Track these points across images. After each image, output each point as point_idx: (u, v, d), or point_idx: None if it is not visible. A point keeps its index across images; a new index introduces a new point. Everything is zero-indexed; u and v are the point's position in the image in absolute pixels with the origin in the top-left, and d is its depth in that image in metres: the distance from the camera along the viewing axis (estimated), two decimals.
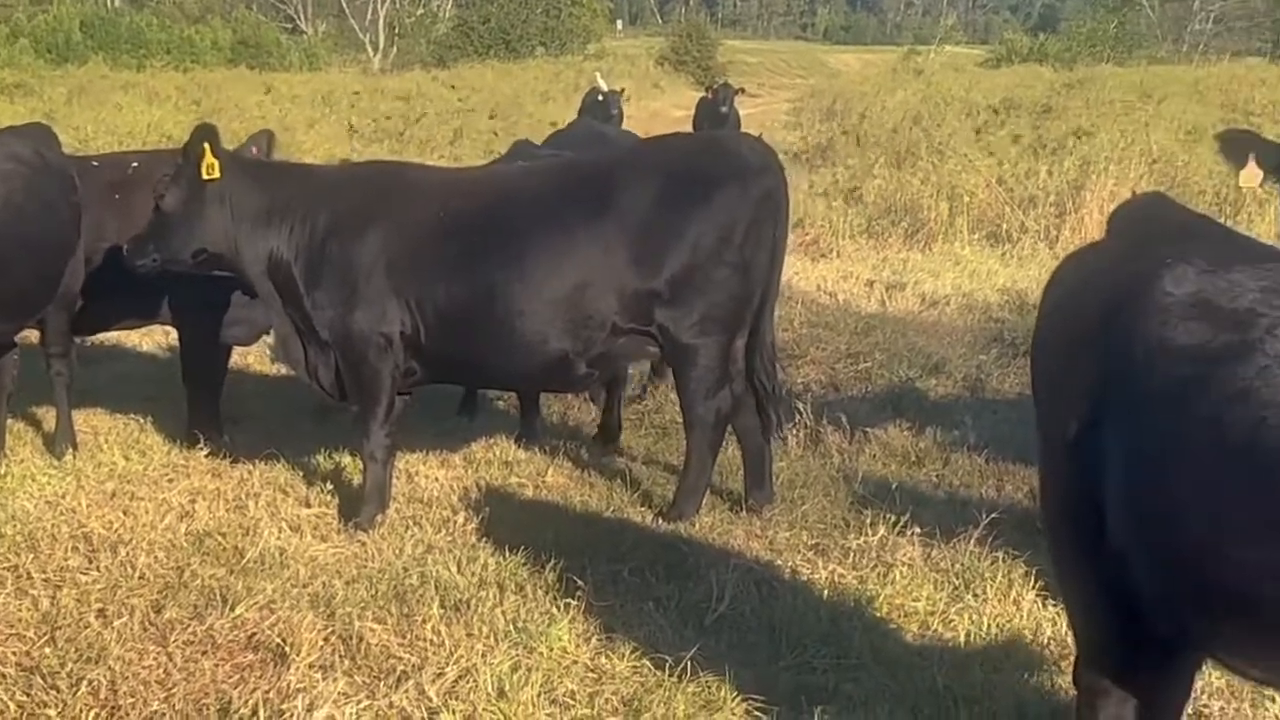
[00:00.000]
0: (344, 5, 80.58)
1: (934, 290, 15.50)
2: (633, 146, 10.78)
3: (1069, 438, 4.82)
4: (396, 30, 79.70)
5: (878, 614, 7.27)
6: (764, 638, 7.07)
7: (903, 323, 13.89)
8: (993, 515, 8.13)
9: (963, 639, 6.99)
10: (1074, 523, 4.86)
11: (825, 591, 7.58)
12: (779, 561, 8.01)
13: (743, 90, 31.43)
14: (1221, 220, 18.66)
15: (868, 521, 8.35)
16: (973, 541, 7.94)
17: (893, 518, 8.31)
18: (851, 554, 8.02)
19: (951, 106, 32.21)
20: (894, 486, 9.06)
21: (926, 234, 19.70)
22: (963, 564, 7.71)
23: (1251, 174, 8.36)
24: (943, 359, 12.38)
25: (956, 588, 7.48)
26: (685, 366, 8.67)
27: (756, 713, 6.22)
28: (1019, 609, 7.17)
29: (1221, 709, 6.15)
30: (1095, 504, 4.70)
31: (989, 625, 7.04)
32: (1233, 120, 29.00)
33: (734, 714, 6.22)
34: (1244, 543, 4.26)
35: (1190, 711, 5.89)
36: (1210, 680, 6.09)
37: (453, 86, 49.99)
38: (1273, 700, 6.02)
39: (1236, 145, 8.55)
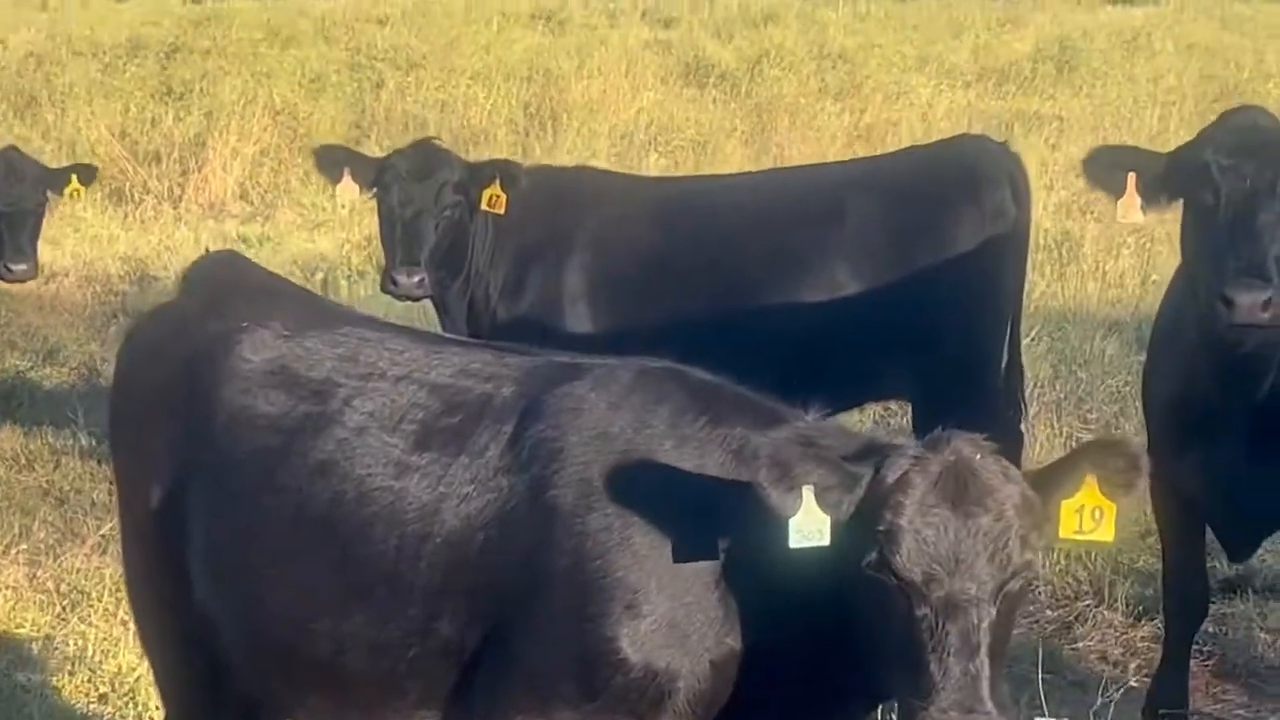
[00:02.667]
0: None
1: (54, 261, 14.89)
2: None
3: (151, 503, 4.83)
4: None
5: None
6: None
7: (20, 301, 13.29)
8: (104, 529, 8.01)
9: (70, 666, 6.88)
10: (157, 585, 4.89)
11: None
12: None
13: None
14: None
15: None
16: (80, 558, 7.81)
17: None
18: None
19: (76, 47, 31.09)
20: (1, 497, 8.79)
21: None
22: (69, 583, 7.57)
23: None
24: (58, 343, 11.95)
25: (63, 610, 7.35)
26: None
27: None
28: (128, 630, 7.07)
29: None
30: (180, 568, 4.74)
31: (95, 651, 6.96)
32: (358, 65, 29.20)
33: None
34: (326, 614, 4.42)
35: None
36: None
37: None
38: None
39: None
